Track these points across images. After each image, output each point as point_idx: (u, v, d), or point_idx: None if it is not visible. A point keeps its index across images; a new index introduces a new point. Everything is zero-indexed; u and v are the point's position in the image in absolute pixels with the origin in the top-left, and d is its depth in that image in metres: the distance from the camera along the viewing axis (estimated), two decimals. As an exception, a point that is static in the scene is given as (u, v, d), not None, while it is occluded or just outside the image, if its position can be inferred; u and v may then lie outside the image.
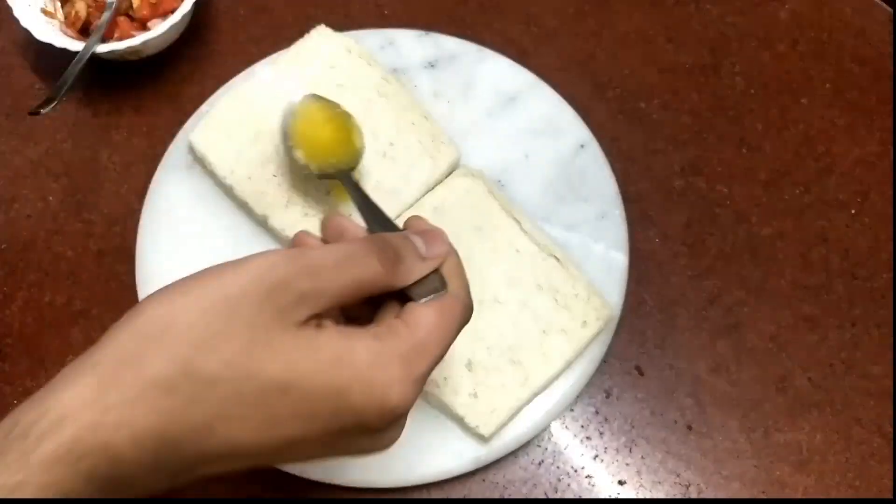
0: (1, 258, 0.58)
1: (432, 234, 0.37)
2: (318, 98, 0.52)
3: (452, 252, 0.37)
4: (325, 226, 0.39)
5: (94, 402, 0.28)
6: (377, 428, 0.32)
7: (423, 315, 0.33)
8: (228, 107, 0.57)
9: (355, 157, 0.51)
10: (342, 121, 0.51)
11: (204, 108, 0.60)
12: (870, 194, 0.59)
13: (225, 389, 0.29)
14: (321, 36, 0.60)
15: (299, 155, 0.50)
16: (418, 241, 0.36)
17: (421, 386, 0.33)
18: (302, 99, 0.52)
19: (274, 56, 0.61)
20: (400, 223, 0.53)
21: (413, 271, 0.34)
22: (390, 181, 0.55)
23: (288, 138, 0.51)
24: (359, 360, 0.31)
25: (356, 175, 0.50)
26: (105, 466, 0.28)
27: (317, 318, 0.32)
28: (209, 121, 0.57)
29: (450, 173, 0.56)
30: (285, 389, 0.30)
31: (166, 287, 0.31)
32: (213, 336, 0.29)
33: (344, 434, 0.32)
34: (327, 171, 0.50)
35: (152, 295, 0.31)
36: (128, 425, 0.28)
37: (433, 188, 0.55)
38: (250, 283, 0.30)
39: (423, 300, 0.34)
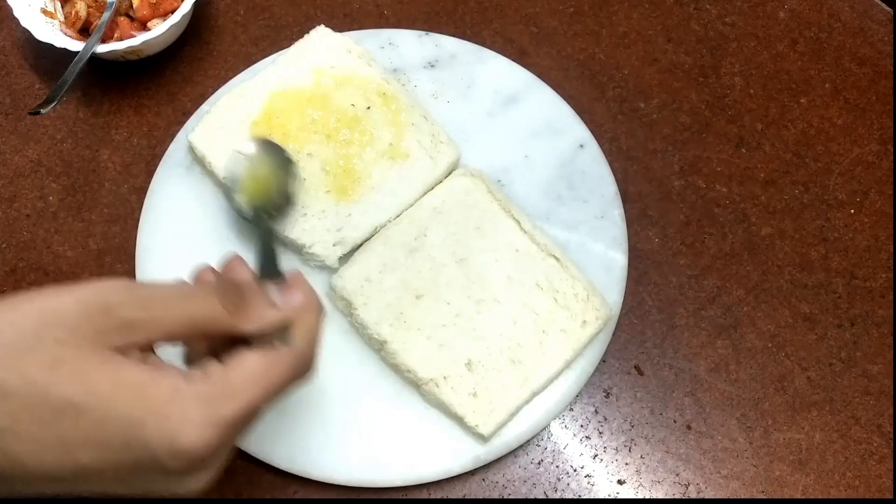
0: (1, 258, 0.58)
1: (291, 285, 0.36)
2: (267, 144, 0.52)
3: (312, 308, 0.35)
4: (221, 264, 0.39)
5: None
6: (173, 470, 0.30)
7: (245, 360, 0.32)
8: (228, 107, 0.57)
9: (285, 206, 0.51)
10: (282, 170, 0.51)
11: (204, 107, 0.60)
12: (869, 194, 0.59)
13: (18, 403, 0.28)
14: (321, 36, 0.60)
15: (239, 198, 0.50)
16: (272, 290, 0.35)
17: (226, 432, 0.31)
18: (253, 145, 0.52)
19: (274, 56, 0.61)
20: (400, 222, 0.54)
21: (257, 316, 0.34)
22: (390, 181, 0.55)
23: (235, 182, 0.51)
24: (159, 394, 0.30)
25: (283, 223, 0.52)
26: None
27: (142, 351, 0.31)
28: (209, 121, 0.57)
29: (450, 173, 0.56)
30: (79, 412, 0.29)
31: (2, 298, 0.31)
32: (19, 348, 0.29)
33: (139, 470, 0.30)
34: (259, 216, 0.50)
35: None
36: None
37: (433, 188, 0.55)
38: (73, 303, 0.30)
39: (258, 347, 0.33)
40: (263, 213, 0.50)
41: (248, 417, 0.32)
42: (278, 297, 0.35)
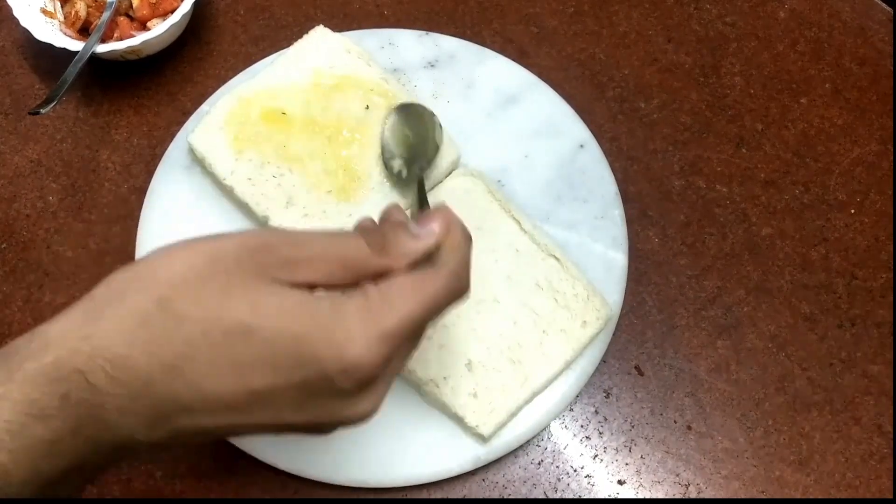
0: (1, 258, 0.58)
1: (430, 215, 0.36)
2: (404, 108, 0.56)
3: (455, 231, 0.36)
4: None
5: (77, 330, 0.30)
6: (344, 388, 0.31)
7: (399, 278, 0.33)
8: (227, 107, 0.57)
9: (434, 153, 0.55)
10: (425, 126, 0.56)
11: (204, 107, 0.60)
12: (869, 194, 0.59)
13: (193, 327, 0.30)
14: (320, 36, 0.60)
15: (396, 164, 0.54)
16: (412, 224, 0.35)
17: (390, 346, 0.32)
18: (394, 114, 0.55)
19: (273, 56, 0.61)
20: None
21: (402, 250, 0.34)
22: (387, 182, 0.55)
23: (389, 150, 0.55)
24: (321, 310, 0.31)
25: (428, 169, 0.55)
26: (79, 391, 0.29)
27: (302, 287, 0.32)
28: (208, 122, 0.57)
29: (450, 173, 0.56)
30: (248, 332, 0.30)
31: (168, 244, 0.33)
32: (192, 279, 0.31)
33: (312, 391, 0.31)
34: (413, 173, 0.53)
35: (154, 250, 0.33)
36: (102, 354, 0.29)
37: (433, 188, 0.55)
38: (237, 244, 0.32)
39: None
40: (417, 169, 0.53)
41: (410, 333, 0.33)
42: (417, 229, 0.35)
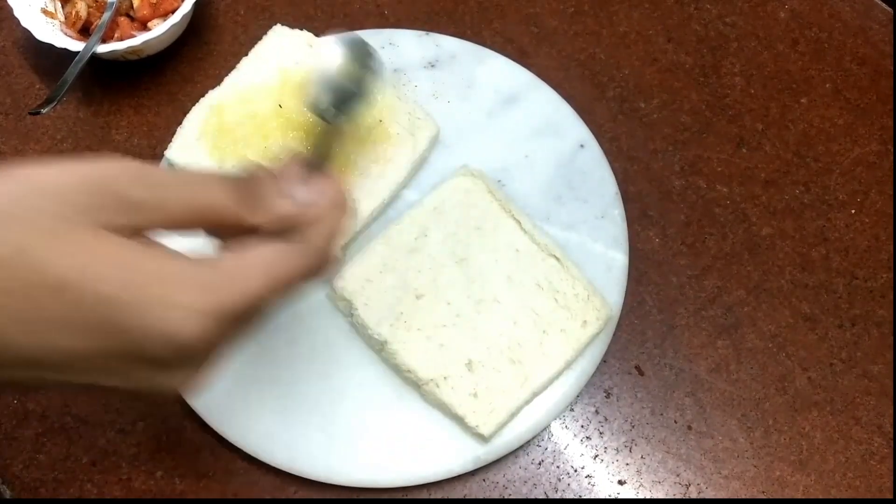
0: (1, 258, 0.58)
1: (316, 182, 0.33)
2: (350, 41, 0.47)
3: (334, 206, 0.33)
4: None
5: None
6: (162, 358, 0.28)
7: (253, 248, 0.30)
8: (200, 118, 0.56)
9: (358, 99, 0.45)
10: (362, 65, 0.46)
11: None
12: (870, 194, 0.59)
13: (10, 275, 0.26)
14: (279, 35, 0.60)
15: (316, 91, 0.45)
16: (297, 184, 0.33)
17: (225, 324, 0.29)
18: (334, 41, 0.48)
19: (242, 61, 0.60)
20: (401, 222, 0.54)
21: (266, 208, 0.31)
22: (376, 165, 0.55)
23: (315, 76, 0.47)
24: (150, 273, 0.27)
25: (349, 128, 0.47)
26: None
27: (144, 235, 0.29)
28: (184, 136, 0.56)
29: (431, 148, 0.56)
30: (60, 289, 0.27)
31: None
32: (7, 217, 0.27)
33: (122, 359, 0.28)
34: (330, 110, 0.45)
35: None
36: None
37: (415, 170, 0.56)
38: (75, 175, 0.28)
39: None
40: (336, 108, 0.46)
41: (250, 311, 0.30)
42: (300, 192, 0.32)
